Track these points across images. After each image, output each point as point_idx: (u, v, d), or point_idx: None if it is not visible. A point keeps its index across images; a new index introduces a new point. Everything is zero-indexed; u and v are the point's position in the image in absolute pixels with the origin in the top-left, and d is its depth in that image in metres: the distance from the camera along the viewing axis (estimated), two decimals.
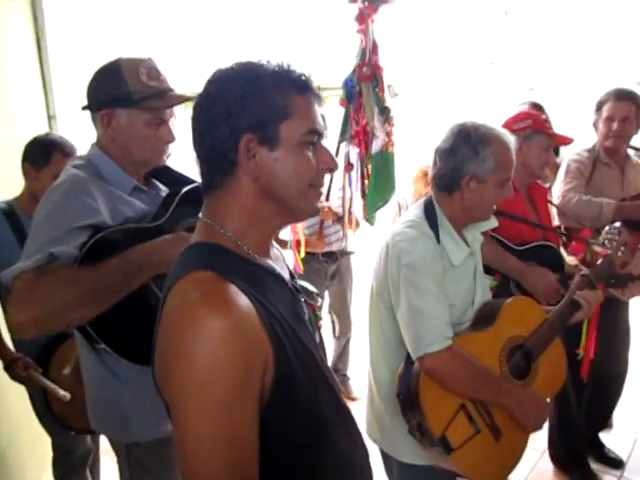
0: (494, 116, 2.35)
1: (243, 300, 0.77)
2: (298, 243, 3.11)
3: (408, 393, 1.45)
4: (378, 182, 2.95)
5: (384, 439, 1.65)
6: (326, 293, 3.39)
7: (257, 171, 0.84)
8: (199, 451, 0.73)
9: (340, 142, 2.95)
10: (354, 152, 2.95)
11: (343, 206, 3.12)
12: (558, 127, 3.28)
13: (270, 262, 0.92)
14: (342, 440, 0.93)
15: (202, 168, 0.88)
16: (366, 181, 2.94)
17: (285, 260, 1.05)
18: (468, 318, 1.58)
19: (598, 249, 1.81)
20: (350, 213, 3.16)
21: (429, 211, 1.56)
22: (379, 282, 1.58)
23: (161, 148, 1.40)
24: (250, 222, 0.87)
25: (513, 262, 1.99)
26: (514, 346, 1.55)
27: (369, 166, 2.90)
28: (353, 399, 3.42)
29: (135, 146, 1.36)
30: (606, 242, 1.77)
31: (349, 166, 2.97)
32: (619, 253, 1.74)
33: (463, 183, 1.51)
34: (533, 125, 2.12)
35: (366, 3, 2.82)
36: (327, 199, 3.07)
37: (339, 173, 3.10)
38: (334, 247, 3.26)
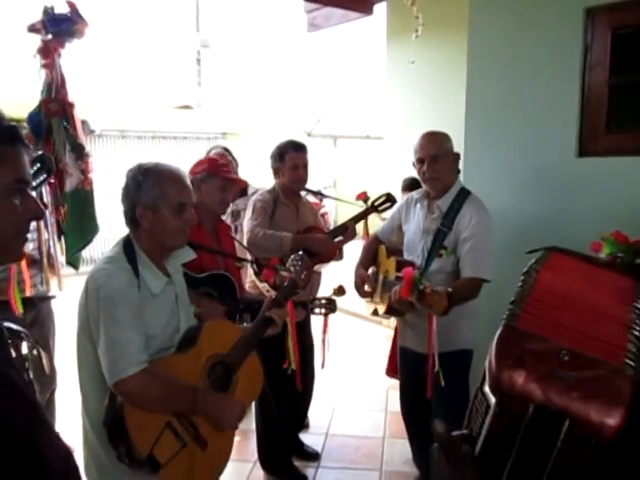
0: (194, 159, 2.57)
1: None
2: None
3: (114, 420, 1.49)
4: (77, 222, 2.85)
5: (102, 476, 1.64)
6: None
7: None
8: None
9: None
10: (47, 191, 2.79)
11: (40, 249, 2.90)
12: (247, 170, 3.71)
13: None
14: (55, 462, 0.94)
15: None
16: (62, 222, 2.81)
17: None
18: (174, 344, 1.69)
19: (285, 274, 2.11)
20: (50, 256, 2.96)
21: (128, 247, 1.65)
22: (82, 318, 1.60)
23: None
24: None
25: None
26: (215, 363, 1.72)
27: (65, 206, 2.78)
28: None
29: None
30: (291, 268, 2.10)
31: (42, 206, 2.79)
32: (302, 276, 2.08)
33: (140, 215, 1.63)
34: (208, 169, 2.41)
35: (50, 36, 2.73)
36: None
37: None
38: (29, 293, 2.98)
